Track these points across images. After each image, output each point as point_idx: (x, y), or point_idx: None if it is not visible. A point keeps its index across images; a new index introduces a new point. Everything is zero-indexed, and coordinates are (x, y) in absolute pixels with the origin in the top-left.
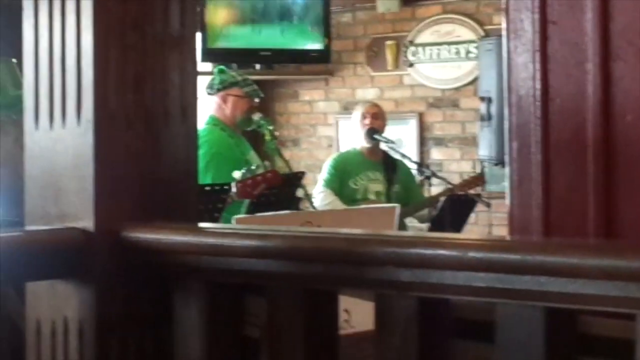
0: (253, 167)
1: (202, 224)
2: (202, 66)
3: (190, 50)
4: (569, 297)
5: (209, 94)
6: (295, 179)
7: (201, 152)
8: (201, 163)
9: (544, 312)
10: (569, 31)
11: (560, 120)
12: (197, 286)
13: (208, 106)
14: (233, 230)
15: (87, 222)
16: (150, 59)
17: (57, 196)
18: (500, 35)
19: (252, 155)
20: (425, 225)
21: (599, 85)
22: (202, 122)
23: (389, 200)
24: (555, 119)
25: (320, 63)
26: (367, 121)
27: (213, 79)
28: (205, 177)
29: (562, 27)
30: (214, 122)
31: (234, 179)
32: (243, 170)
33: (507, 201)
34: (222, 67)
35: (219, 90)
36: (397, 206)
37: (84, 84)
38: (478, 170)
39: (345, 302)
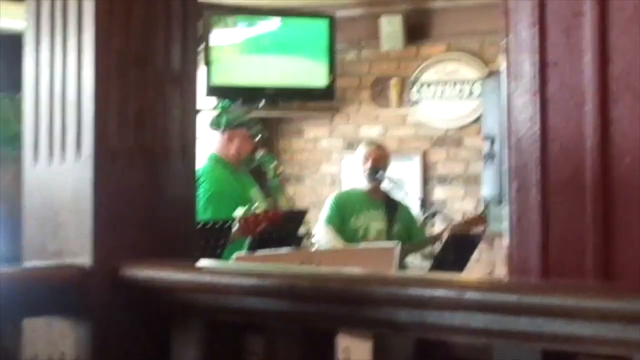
0: (255, 206)
1: (200, 262)
2: (206, 101)
3: (191, 87)
4: (566, 339)
5: (214, 129)
6: (297, 216)
7: (201, 189)
8: (201, 200)
9: (541, 354)
10: (568, 73)
11: (560, 161)
12: (196, 325)
13: (210, 143)
14: (231, 268)
15: (85, 259)
16: (151, 96)
17: (55, 232)
18: None
19: (255, 192)
20: (426, 264)
21: (597, 127)
22: (203, 158)
23: (389, 239)
24: (554, 160)
25: (325, 100)
26: (370, 162)
27: (219, 116)
28: (204, 215)
29: (561, 69)
30: (216, 159)
31: (234, 217)
32: (245, 208)
33: (506, 241)
34: (226, 103)
35: (225, 128)
36: (397, 244)
37: (84, 120)
38: (481, 208)
39: (346, 339)
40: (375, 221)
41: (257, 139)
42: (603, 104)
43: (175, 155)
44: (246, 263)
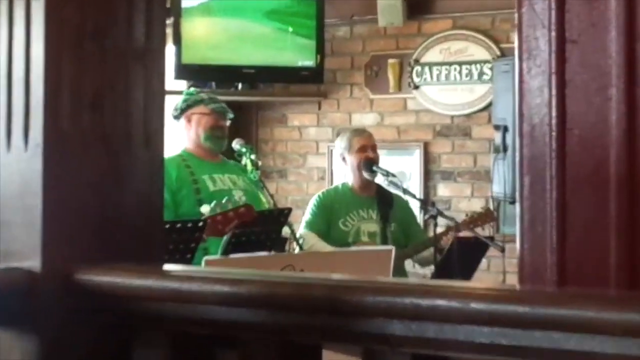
0: (223, 201)
1: (166, 266)
2: (176, 85)
3: (157, 65)
4: (585, 356)
5: (175, 117)
6: (280, 216)
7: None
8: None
9: None
10: (590, 52)
11: (579, 152)
12: (160, 337)
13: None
14: (202, 273)
15: (33, 262)
16: (110, 74)
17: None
18: None
19: (242, 185)
20: (427, 271)
21: (623, 113)
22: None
23: (385, 242)
24: (573, 151)
25: (311, 83)
26: (363, 154)
27: (178, 102)
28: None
29: (582, 47)
30: (182, 153)
31: (200, 214)
32: (212, 205)
33: (517, 244)
34: (191, 91)
35: (182, 111)
36: (391, 248)
37: (32, 102)
38: (491, 208)
39: (332, 355)
40: (367, 223)
41: (222, 118)
42: (629, 88)
43: (138, 143)
44: (218, 268)
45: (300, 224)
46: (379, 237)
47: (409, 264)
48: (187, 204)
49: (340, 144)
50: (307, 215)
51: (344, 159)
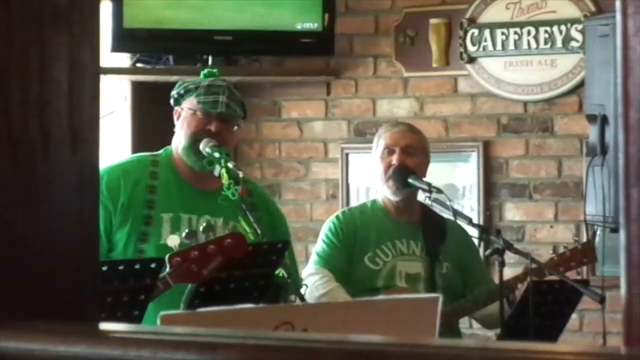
0: (200, 228)
1: (105, 325)
2: (117, 60)
3: (88, 32)
4: None
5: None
6: (271, 252)
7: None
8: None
9: None
10: None
11: None
12: None
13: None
14: (156, 335)
15: None
16: (18, 44)
17: None
18: None
19: (227, 210)
20: (492, 332)
21: None
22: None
23: (432, 290)
24: None
25: (317, 55)
26: (395, 157)
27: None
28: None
29: None
30: (163, 154)
31: (167, 249)
32: (183, 233)
33: (622, 291)
34: (208, 72)
35: (176, 102)
36: (438, 297)
37: None
38: (584, 239)
39: None
40: (406, 260)
41: (218, 116)
42: None
43: (61, 144)
44: (180, 328)
45: (306, 263)
46: (424, 282)
47: (464, 323)
48: (126, 235)
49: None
50: (319, 246)
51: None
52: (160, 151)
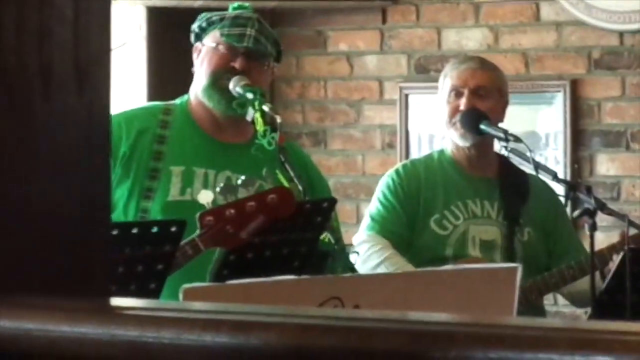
0: (239, 182)
1: (117, 301)
2: None
3: None
4: None
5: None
6: (315, 213)
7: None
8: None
9: None
10: None
11: None
12: None
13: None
14: (180, 312)
15: None
16: None
17: None
18: None
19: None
20: (582, 309)
21: None
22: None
23: (510, 259)
24: None
25: None
26: (463, 100)
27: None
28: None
29: None
30: (180, 103)
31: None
32: (218, 188)
33: None
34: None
35: (197, 37)
36: (517, 266)
37: None
38: None
39: None
40: (480, 224)
41: (238, 53)
42: None
43: (67, 83)
44: (208, 304)
45: (360, 224)
46: (500, 250)
47: (548, 299)
48: (127, 191)
49: None
50: (374, 206)
51: None
52: (176, 100)
